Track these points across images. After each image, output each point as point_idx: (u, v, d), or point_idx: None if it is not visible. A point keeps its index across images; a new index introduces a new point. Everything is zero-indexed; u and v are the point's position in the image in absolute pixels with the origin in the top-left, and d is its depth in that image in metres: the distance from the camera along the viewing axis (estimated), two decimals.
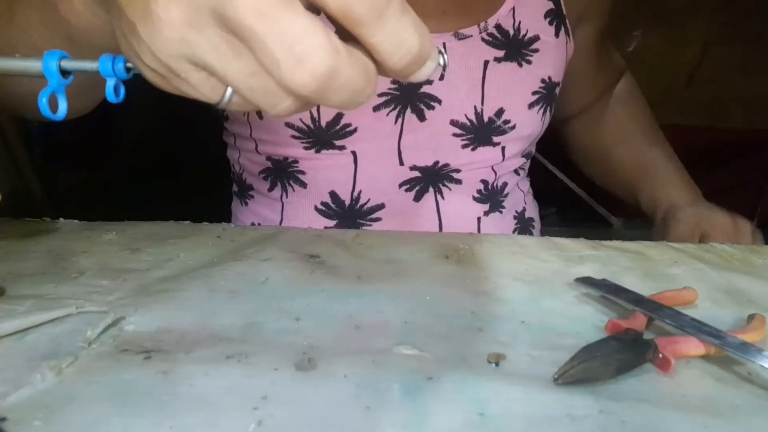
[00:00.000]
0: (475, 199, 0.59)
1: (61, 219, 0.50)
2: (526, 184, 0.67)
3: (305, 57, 0.21)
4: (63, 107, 0.27)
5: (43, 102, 0.26)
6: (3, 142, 0.66)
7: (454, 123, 0.56)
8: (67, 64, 0.26)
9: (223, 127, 0.64)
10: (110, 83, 0.26)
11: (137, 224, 0.48)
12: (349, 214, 0.57)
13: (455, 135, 0.56)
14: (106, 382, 0.26)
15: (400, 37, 0.22)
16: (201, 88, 0.24)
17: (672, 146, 0.67)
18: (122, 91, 0.27)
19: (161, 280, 0.37)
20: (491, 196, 0.60)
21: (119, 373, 0.27)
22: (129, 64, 0.26)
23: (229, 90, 0.24)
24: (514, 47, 0.57)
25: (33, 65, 0.26)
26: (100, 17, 0.34)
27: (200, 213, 0.52)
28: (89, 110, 0.46)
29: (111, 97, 0.27)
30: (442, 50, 0.26)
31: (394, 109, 0.54)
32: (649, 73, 0.66)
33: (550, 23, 0.59)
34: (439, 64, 0.25)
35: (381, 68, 0.24)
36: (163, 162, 1.07)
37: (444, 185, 0.58)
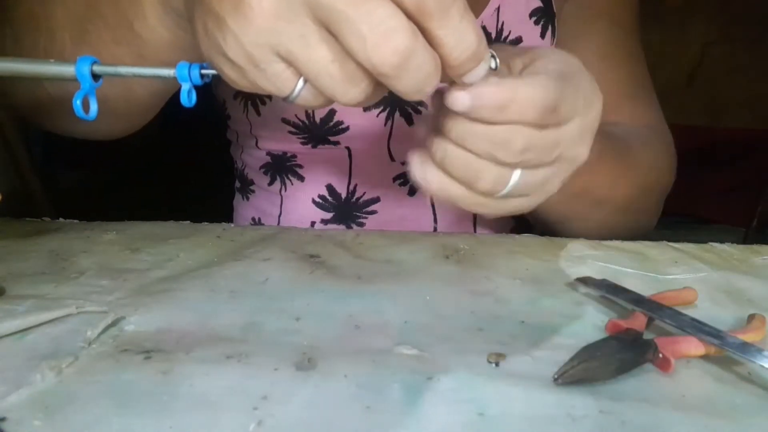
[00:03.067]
0: None
1: (61, 219, 0.50)
2: None
3: (389, 35, 0.24)
4: (94, 108, 0.29)
5: (77, 103, 0.28)
6: (3, 142, 0.66)
7: None
8: (99, 68, 0.29)
9: (226, 126, 0.64)
10: (185, 87, 0.29)
11: (137, 224, 0.48)
12: (345, 206, 0.58)
13: None
14: (106, 382, 0.26)
15: (462, 34, 0.25)
16: (276, 80, 0.26)
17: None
18: (194, 96, 0.29)
19: (161, 280, 0.37)
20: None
21: (119, 373, 0.27)
22: (204, 71, 0.29)
23: (300, 83, 0.26)
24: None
25: (67, 69, 0.29)
26: (171, 32, 0.36)
27: (200, 213, 0.52)
28: (139, 127, 0.48)
29: (185, 101, 0.29)
30: (494, 53, 0.28)
31: (383, 110, 0.55)
32: (649, 73, 0.65)
33: (536, 23, 0.57)
34: (491, 67, 0.28)
35: (442, 62, 0.26)
36: (163, 162, 1.07)
37: None
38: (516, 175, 0.32)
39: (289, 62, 0.26)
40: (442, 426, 0.24)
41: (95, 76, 0.29)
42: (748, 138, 1.49)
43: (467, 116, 0.30)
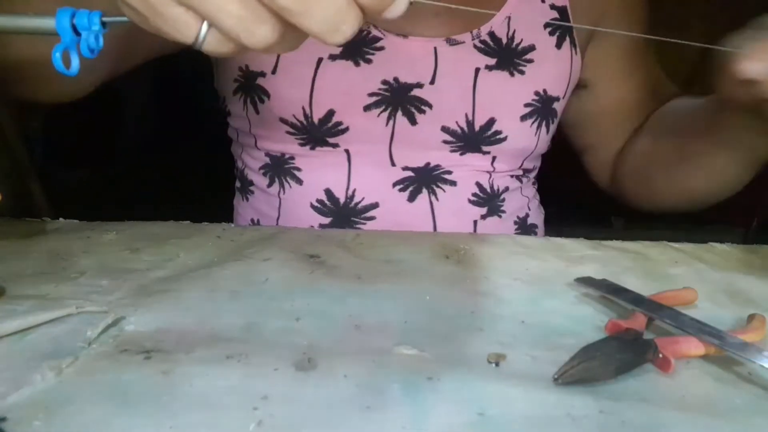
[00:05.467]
0: (471, 201, 0.59)
1: (61, 219, 0.50)
2: (530, 190, 0.66)
3: None
4: (75, 63, 0.28)
5: (56, 56, 0.27)
6: (3, 142, 0.66)
7: (445, 129, 0.56)
8: (79, 21, 0.27)
9: (227, 124, 0.64)
10: (84, 38, 0.27)
11: (137, 224, 0.48)
12: (343, 212, 0.58)
13: (445, 142, 0.56)
14: (106, 382, 0.26)
15: None
16: (177, 24, 0.25)
17: None
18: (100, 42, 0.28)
19: (161, 280, 0.37)
20: (489, 200, 0.60)
21: (119, 373, 0.27)
22: (104, 18, 0.27)
23: (204, 27, 0.25)
24: (507, 56, 0.56)
25: (46, 23, 0.27)
26: None
27: (200, 213, 0.52)
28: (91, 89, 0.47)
29: (86, 53, 0.27)
30: None
31: (385, 110, 0.55)
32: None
33: (551, 34, 0.58)
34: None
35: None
36: (162, 162, 1.07)
37: (438, 186, 0.58)
38: None
39: (187, 4, 0.24)
40: (442, 426, 0.24)
41: (76, 30, 0.27)
42: None
43: None
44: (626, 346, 0.28)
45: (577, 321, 0.34)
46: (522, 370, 0.28)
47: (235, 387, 0.26)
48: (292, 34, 0.25)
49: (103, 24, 0.27)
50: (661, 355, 0.28)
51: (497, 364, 0.29)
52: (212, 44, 0.26)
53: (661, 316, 0.33)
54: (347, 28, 0.24)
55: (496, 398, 0.26)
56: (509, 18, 0.56)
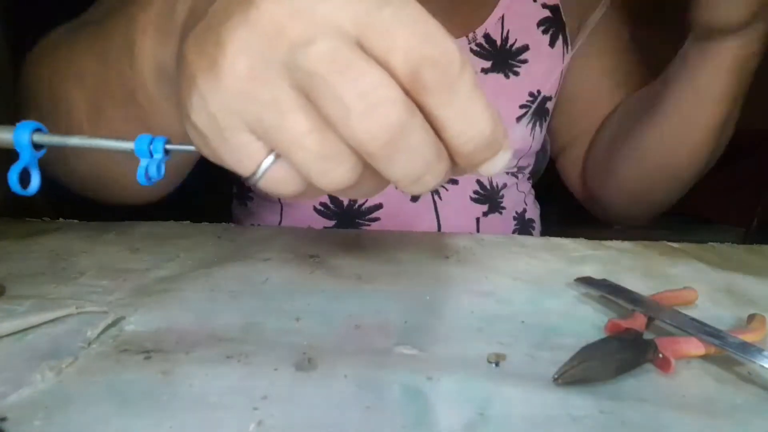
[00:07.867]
0: (472, 199, 0.60)
1: (61, 219, 0.50)
2: (526, 185, 0.67)
3: (377, 105, 0.19)
4: (36, 181, 0.25)
5: (13, 178, 0.24)
6: None
7: None
8: (41, 138, 0.25)
9: None
10: (143, 164, 0.26)
11: (137, 224, 0.48)
12: (347, 214, 0.58)
13: None
14: (106, 382, 0.26)
15: (471, 115, 0.21)
16: (239, 152, 0.22)
17: None
18: (158, 171, 0.27)
19: (161, 280, 0.37)
20: (489, 197, 0.60)
21: (119, 373, 0.26)
22: (168, 146, 0.26)
23: (267, 161, 0.22)
24: (501, 58, 0.56)
25: (126, 145, 0.26)
26: (170, 101, 0.33)
27: (200, 213, 0.52)
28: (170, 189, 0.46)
29: (142, 179, 0.26)
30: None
31: None
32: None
33: (544, 32, 0.58)
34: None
35: (449, 150, 0.22)
36: None
37: (440, 185, 0.58)
38: None
39: (259, 133, 0.22)
40: (442, 426, 0.24)
41: (37, 146, 0.25)
42: (748, 138, 1.49)
43: None
44: (626, 346, 0.28)
45: (577, 321, 0.34)
46: (522, 370, 0.28)
47: (235, 387, 0.26)
48: (369, 180, 0.23)
49: (166, 152, 0.26)
50: (661, 355, 0.28)
51: (497, 364, 0.29)
52: (272, 181, 0.23)
53: (661, 316, 0.33)
54: (431, 179, 0.21)
55: (496, 398, 0.26)
56: (503, 17, 0.56)
